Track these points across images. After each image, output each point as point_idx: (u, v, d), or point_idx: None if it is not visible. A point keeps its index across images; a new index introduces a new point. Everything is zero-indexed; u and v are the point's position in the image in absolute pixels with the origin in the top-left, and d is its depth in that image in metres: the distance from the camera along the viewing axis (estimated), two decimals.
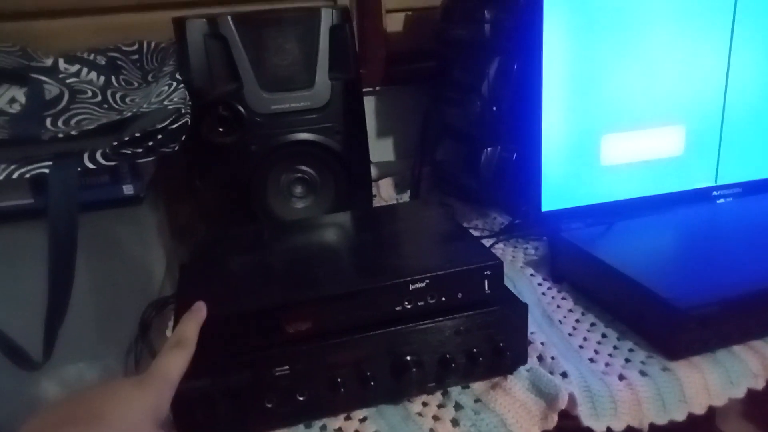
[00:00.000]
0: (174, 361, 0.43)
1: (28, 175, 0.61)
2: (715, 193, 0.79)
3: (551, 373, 0.53)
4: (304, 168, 0.79)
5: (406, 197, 1.00)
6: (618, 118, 0.73)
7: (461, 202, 0.92)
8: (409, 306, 0.50)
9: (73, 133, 0.63)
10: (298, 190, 0.80)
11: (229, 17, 0.72)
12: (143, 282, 0.74)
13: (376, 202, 0.95)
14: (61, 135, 0.63)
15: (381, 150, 1.10)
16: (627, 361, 0.55)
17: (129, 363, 0.67)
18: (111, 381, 0.41)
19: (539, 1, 0.66)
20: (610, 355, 0.56)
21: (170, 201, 0.88)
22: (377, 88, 1.07)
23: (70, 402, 0.39)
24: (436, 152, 0.97)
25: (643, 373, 0.53)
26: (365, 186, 0.84)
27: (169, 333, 0.65)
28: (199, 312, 0.46)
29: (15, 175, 0.61)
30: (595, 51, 0.70)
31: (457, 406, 0.51)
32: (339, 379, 0.49)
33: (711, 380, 0.53)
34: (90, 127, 0.65)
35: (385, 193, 1.01)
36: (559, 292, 0.67)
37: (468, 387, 0.53)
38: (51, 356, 0.65)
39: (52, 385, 0.69)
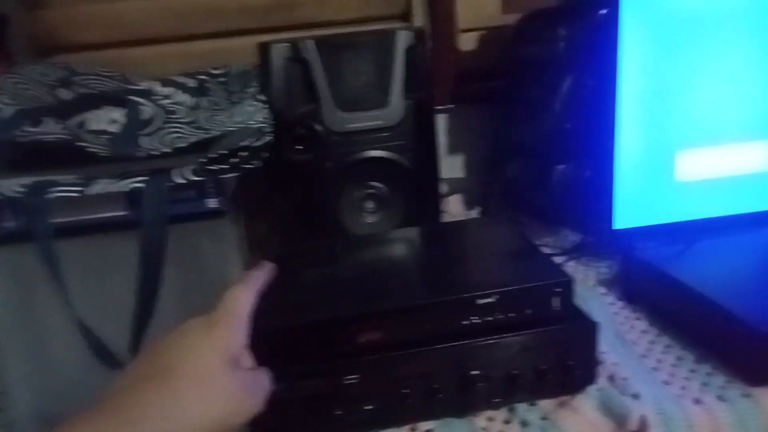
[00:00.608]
0: (241, 296, 0.44)
1: (124, 189, 0.67)
2: None
3: (622, 393, 0.52)
4: (375, 184, 0.81)
5: (474, 214, 1.00)
6: (696, 133, 0.71)
7: (531, 219, 0.91)
8: (477, 320, 0.50)
9: (165, 150, 0.69)
10: (370, 205, 0.82)
11: (311, 41, 0.76)
12: (222, 292, 0.78)
13: (445, 218, 0.96)
14: (155, 152, 0.68)
15: (450, 166, 1.11)
16: (704, 385, 0.53)
17: None
18: (182, 326, 0.43)
19: (616, 17, 0.66)
20: (686, 378, 0.55)
21: (248, 216, 0.92)
22: (448, 105, 1.08)
23: (146, 356, 0.41)
24: (506, 169, 0.96)
25: (721, 399, 0.51)
26: (435, 202, 0.85)
27: None
28: (270, 268, 0.49)
29: (113, 189, 0.66)
30: (673, 65, 0.68)
31: (524, 423, 0.51)
32: (406, 391, 0.50)
33: None
34: (180, 145, 0.70)
35: (453, 209, 1.02)
36: (632, 312, 0.66)
37: (535, 404, 0.53)
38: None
39: None
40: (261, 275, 0.48)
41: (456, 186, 1.06)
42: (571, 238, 0.85)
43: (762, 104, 0.71)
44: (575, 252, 0.79)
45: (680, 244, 0.68)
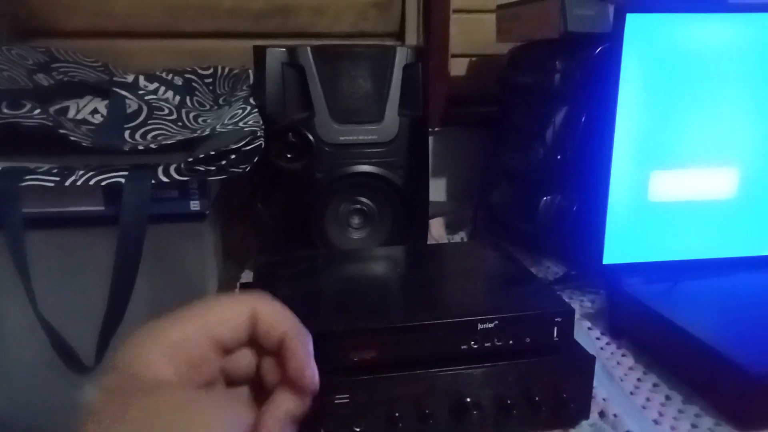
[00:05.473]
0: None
1: (104, 183, 0.63)
2: None
3: (615, 430, 0.51)
4: (363, 199, 0.79)
5: (456, 238, 0.99)
6: (671, 158, 0.71)
7: (514, 247, 0.91)
8: (475, 346, 0.49)
9: (153, 146, 0.65)
10: (356, 220, 0.80)
11: (309, 48, 0.74)
12: (196, 297, 0.74)
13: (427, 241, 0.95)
14: (141, 147, 0.65)
15: (433, 189, 1.10)
16: (693, 426, 0.53)
17: None
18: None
19: (619, 53, 0.66)
20: (674, 418, 0.54)
21: (226, 221, 0.89)
22: (435, 128, 1.08)
23: None
24: (492, 195, 0.96)
25: None
26: (422, 222, 0.84)
27: None
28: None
29: (92, 182, 0.62)
30: (663, 99, 0.69)
31: None
32: (397, 414, 0.48)
33: None
34: (168, 142, 0.66)
35: (435, 232, 1.01)
36: (618, 348, 0.65)
37: None
38: (101, 362, 0.65)
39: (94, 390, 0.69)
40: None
41: (438, 209, 1.06)
42: (553, 269, 0.85)
43: (734, 135, 0.71)
44: (559, 284, 0.78)
45: (666, 281, 0.68)
